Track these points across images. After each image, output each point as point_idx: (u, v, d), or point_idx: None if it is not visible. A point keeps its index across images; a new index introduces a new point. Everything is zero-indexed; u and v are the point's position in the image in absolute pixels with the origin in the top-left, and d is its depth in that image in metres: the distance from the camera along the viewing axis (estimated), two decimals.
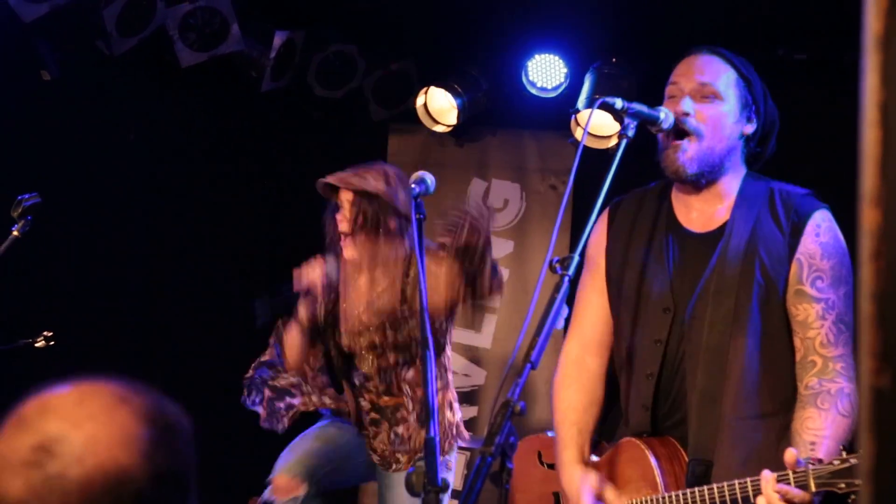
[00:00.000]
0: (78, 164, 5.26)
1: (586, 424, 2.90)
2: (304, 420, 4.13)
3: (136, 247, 5.56)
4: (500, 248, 5.63)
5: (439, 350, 3.83)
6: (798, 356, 2.71)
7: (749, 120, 2.82)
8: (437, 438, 2.43)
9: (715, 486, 2.57)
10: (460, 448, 4.37)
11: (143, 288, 5.62)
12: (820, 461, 2.39)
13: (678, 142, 2.75)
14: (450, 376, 3.94)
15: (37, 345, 4.30)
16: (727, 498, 2.53)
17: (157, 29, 4.87)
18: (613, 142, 5.03)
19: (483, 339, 5.55)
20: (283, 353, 3.99)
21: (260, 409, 4.06)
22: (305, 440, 3.96)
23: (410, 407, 3.87)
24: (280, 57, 5.15)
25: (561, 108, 5.15)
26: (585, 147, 2.61)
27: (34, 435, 1.25)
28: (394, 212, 3.75)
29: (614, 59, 4.98)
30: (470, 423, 5.13)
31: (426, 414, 2.53)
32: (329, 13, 5.30)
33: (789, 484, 2.40)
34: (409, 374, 3.85)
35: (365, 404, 3.92)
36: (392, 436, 3.88)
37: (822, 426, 2.60)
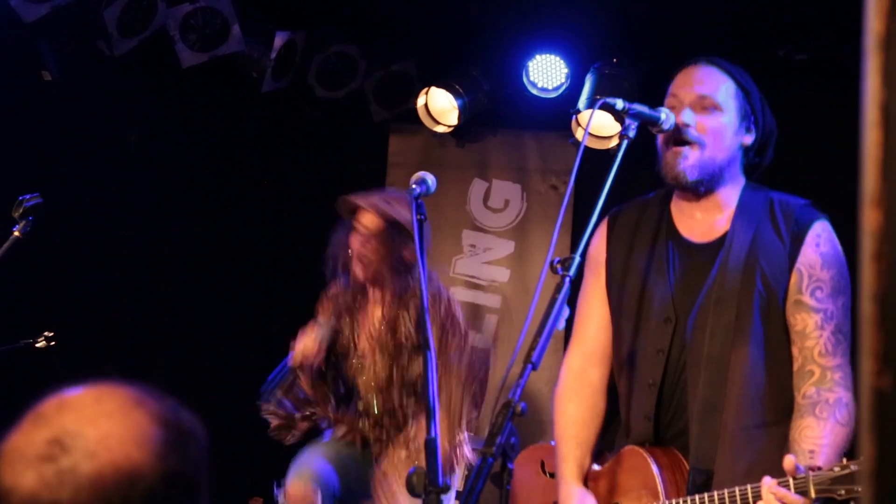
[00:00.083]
0: (79, 164, 5.27)
1: (587, 438, 2.91)
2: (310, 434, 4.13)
3: (137, 247, 5.56)
4: (501, 249, 5.63)
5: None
6: (796, 365, 2.72)
7: (748, 130, 2.82)
8: (438, 439, 2.42)
9: (716, 493, 2.58)
10: None
11: (144, 288, 5.62)
12: (819, 469, 2.40)
13: (679, 148, 2.76)
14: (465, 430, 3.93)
15: (37, 345, 4.30)
16: None
17: (158, 29, 4.87)
18: (614, 142, 5.03)
19: (484, 339, 5.55)
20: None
21: (274, 418, 4.05)
22: (316, 450, 3.95)
23: (412, 433, 3.90)
24: (281, 57, 5.15)
25: (562, 109, 5.15)
26: (586, 147, 2.62)
27: (50, 429, 1.26)
28: (411, 243, 3.77)
29: (615, 60, 4.98)
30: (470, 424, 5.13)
31: (426, 414, 2.53)
32: (330, 14, 5.30)
33: (789, 489, 2.41)
34: (413, 405, 3.88)
35: (368, 429, 3.95)
36: (396, 453, 3.90)
37: (820, 435, 2.61)
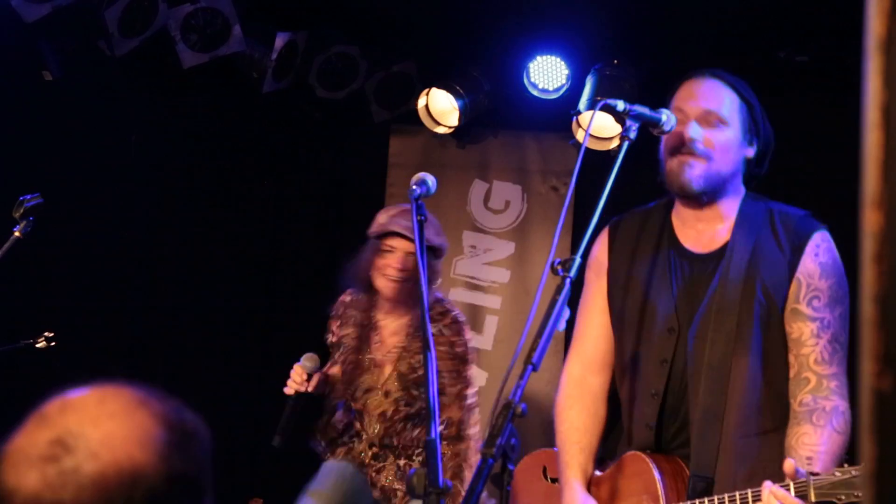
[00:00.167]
0: (79, 164, 5.27)
1: (589, 444, 2.92)
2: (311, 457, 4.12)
3: (137, 247, 5.56)
4: (502, 250, 5.63)
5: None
6: (792, 372, 2.74)
7: (750, 143, 2.84)
8: (438, 440, 2.42)
9: (716, 497, 2.59)
10: None
11: (144, 288, 5.62)
12: (817, 475, 2.41)
13: (685, 157, 2.77)
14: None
15: (37, 345, 4.30)
16: None
17: (159, 30, 4.87)
18: (615, 143, 5.03)
19: (484, 340, 5.55)
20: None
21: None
22: (320, 480, 3.97)
23: (413, 452, 3.92)
24: (282, 58, 5.15)
25: (562, 110, 5.16)
26: (587, 149, 2.62)
27: (53, 430, 1.26)
28: (437, 267, 3.94)
29: (616, 61, 4.98)
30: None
31: (427, 415, 2.53)
32: (331, 14, 5.30)
33: (789, 492, 2.41)
34: (416, 432, 3.90)
35: (367, 449, 3.96)
36: (395, 469, 3.91)
37: (817, 442, 2.62)
